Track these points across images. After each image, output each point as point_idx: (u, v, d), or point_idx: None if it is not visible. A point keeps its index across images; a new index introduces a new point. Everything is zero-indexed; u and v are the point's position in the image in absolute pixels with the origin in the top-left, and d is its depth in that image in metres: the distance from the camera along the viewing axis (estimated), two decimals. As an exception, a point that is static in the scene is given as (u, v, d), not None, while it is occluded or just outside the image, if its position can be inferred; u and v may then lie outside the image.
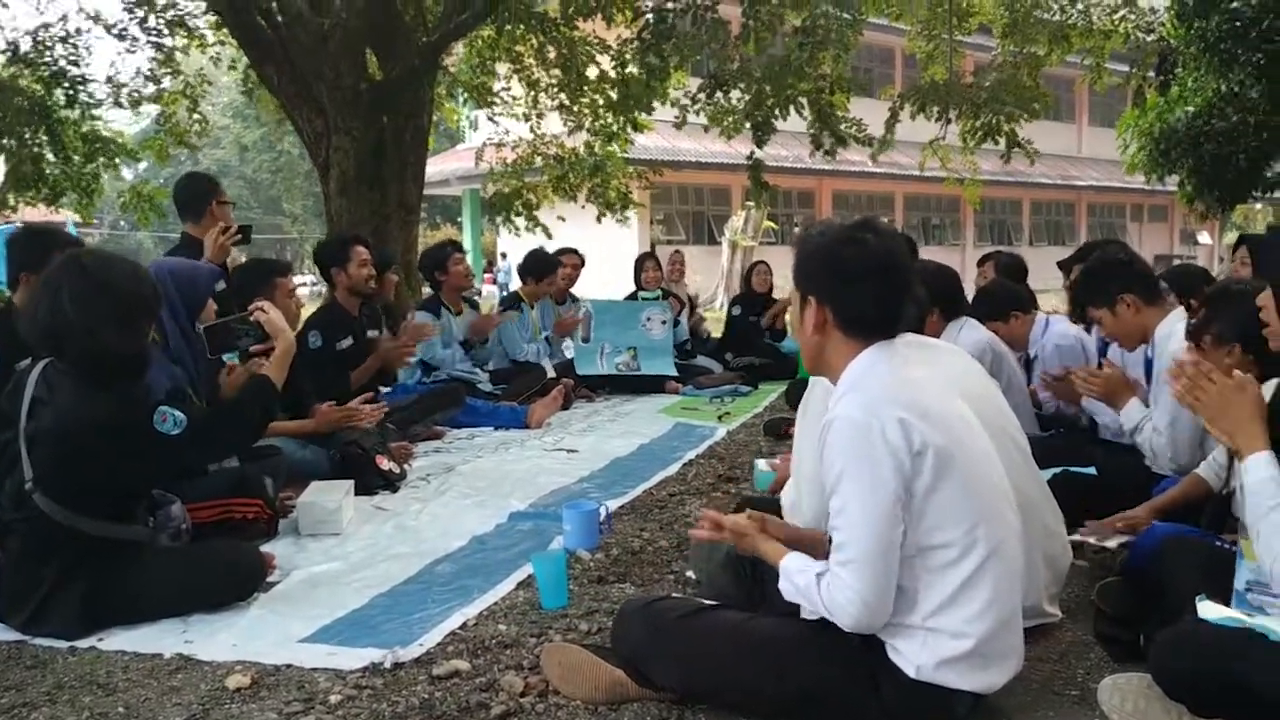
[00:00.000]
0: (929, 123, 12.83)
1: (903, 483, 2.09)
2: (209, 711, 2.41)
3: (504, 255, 24.70)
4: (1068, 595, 3.13)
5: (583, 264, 7.78)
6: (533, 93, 13.29)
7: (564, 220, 14.36)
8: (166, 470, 3.11)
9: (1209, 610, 2.42)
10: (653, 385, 7.29)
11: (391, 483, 4.51)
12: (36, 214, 16.69)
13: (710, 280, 20.37)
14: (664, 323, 7.45)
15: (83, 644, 2.84)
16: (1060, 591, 2.97)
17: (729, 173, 21.69)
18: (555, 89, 13.09)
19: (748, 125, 11.86)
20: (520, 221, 13.82)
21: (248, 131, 38.92)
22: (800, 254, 2.39)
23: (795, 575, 2.23)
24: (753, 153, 12.09)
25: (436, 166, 22.61)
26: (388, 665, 2.63)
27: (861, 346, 2.31)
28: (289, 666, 2.65)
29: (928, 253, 26.18)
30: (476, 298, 8.43)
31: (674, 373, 7.44)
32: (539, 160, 13.81)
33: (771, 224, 22.25)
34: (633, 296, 8.01)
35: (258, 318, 3.38)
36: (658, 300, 7.69)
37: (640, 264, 8.08)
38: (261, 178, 40.20)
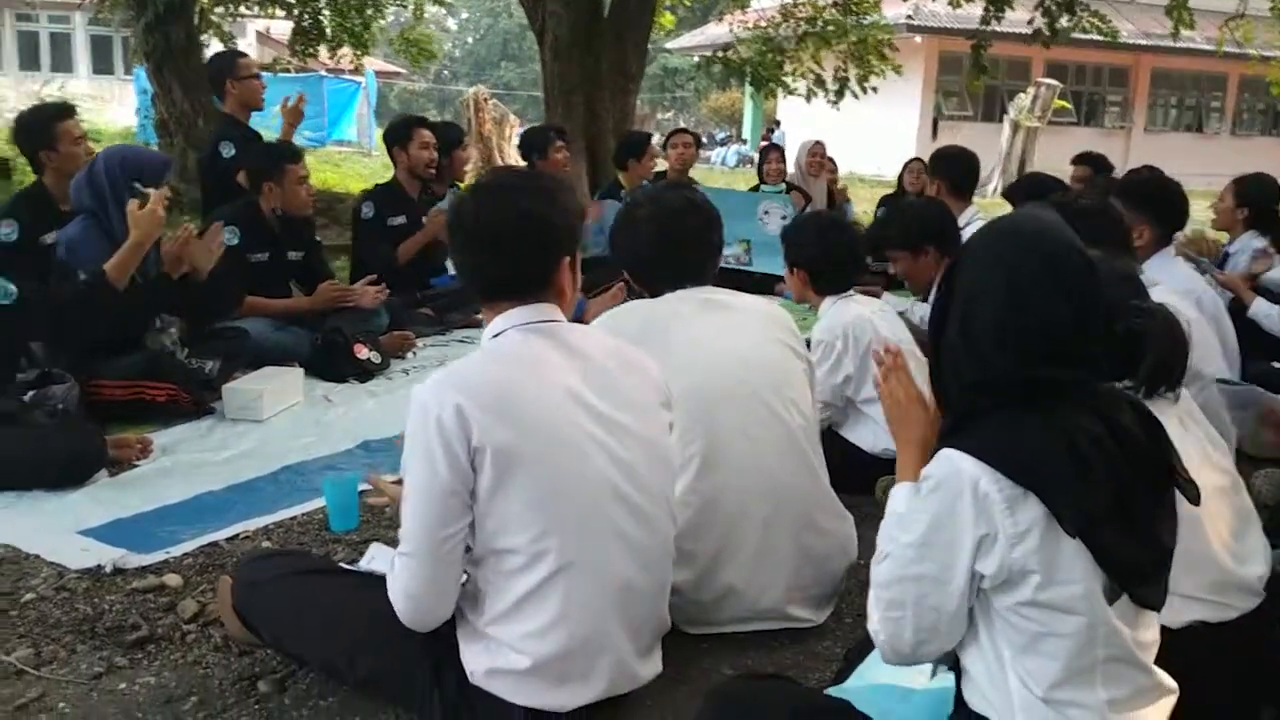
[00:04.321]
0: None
1: (459, 477, 1.88)
2: (-86, 594, 2.62)
3: (778, 123, 24.03)
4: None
5: (697, 144, 7.36)
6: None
7: (817, 94, 13.44)
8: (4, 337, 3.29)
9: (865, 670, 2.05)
10: (762, 285, 6.88)
11: (369, 372, 4.59)
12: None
13: (986, 162, 18.88)
14: (784, 218, 6.92)
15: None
16: (830, 593, 2.60)
17: (1027, 45, 19.73)
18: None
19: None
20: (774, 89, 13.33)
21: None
22: None
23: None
24: (979, 30, 10.91)
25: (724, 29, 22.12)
26: (107, 570, 2.73)
27: (493, 310, 2.08)
28: (35, 557, 2.81)
29: (1268, 145, 22.78)
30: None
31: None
32: (786, 25, 13.12)
33: (1064, 103, 20.21)
34: (754, 191, 7.55)
35: (132, 202, 3.49)
36: (779, 193, 7.19)
37: (763, 155, 7.58)
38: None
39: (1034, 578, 1.52)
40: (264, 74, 14.08)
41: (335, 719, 2.17)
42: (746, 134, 26.51)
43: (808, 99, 13.30)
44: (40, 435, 3.32)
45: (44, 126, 4.20)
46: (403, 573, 1.94)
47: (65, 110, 4.33)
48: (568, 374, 2.01)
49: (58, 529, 2.97)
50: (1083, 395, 1.57)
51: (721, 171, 21.63)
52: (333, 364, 4.53)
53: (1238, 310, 4.36)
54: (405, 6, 14.80)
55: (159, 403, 3.80)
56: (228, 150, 5.37)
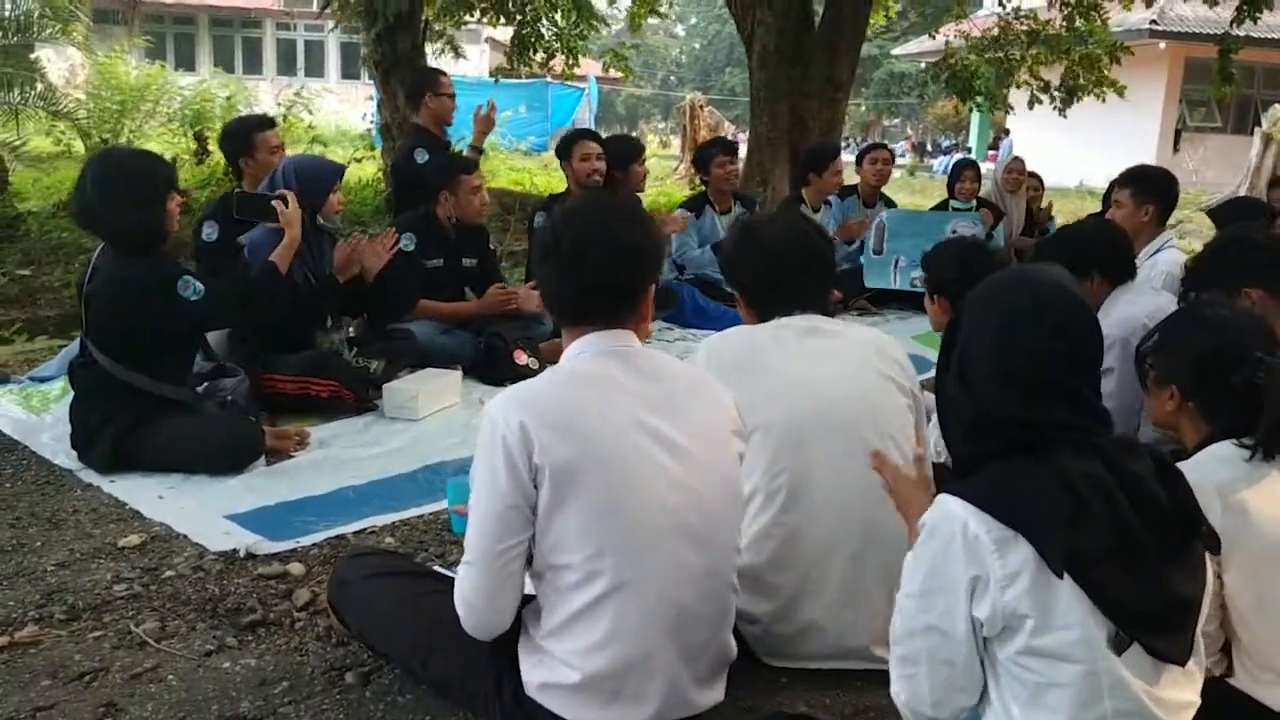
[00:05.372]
0: None
1: (520, 492, 1.96)
2: (78, 560, 2.90)
3: (1007, 132, 23.08)
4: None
5: (892, 159, 7.19)
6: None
7: (1041, 101, 12.85)
8: (191, 331, 3.65)
9: None
10: (949, 306, 6.68)
11: (525, 378, 4.71)
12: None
13: (1232, 177, 17.51)
14: (973, 237, 6.70)
15: (105, 479, 3.47)
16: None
17: (1291, 51, 18.17)
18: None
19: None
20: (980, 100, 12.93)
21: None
22: None
23: None
24: (1227, 33, 10.13)
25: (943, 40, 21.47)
26: (241, 554, 2.94)
27: (573, 335, 2.14)
28: (184, 537, 3.07)
29: None
30: (758, 195, 8.18)
31: (975, 293, 6.72)
32: (1005, 38, 12.63)
33: (1325, 116, 18.41)
34: (942, 206, 7.29)
35: (276, 205, 3.79)
36: (970, 211, 6.92)
37: (957, 172, 7.29)
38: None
39: (1028, 622, 1.51)
40: (487, 79, 14.61)
41: (410, 715, 2.26)
42: (971, 142, 25.64)
43: (1030, 106, 12.77)
44: (208, 423, 3.60)
45: (245, 135, 4.59)
46: (463, 581, 2.02)
47: (265, 121, 4.70)
48: (634, 397, 2.03)
49: (208, 512, 3.23)
50: (1084, 442, 1.55)
51: (942, 179, 20.97)
52: (492, 368, 4.71)
53: None
54: (610, 26, 15.07)
55: (323, 398, 4.06)
56: (422, 156, 5.67)
